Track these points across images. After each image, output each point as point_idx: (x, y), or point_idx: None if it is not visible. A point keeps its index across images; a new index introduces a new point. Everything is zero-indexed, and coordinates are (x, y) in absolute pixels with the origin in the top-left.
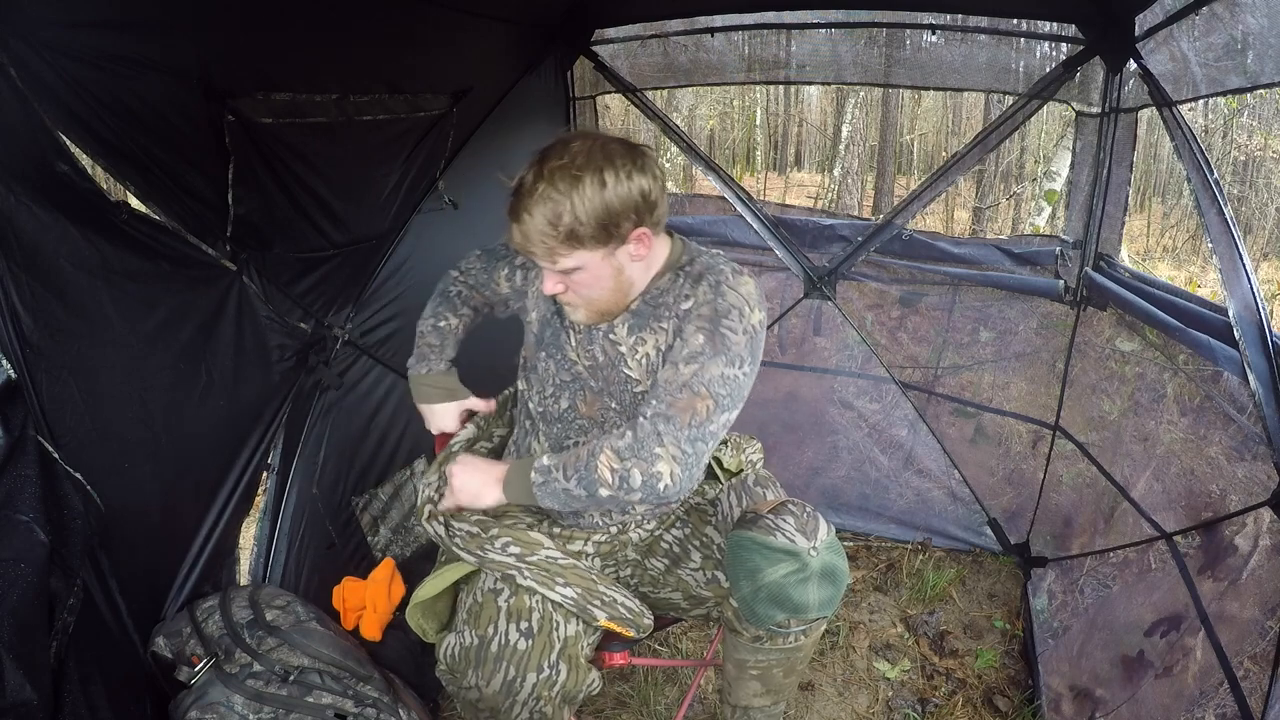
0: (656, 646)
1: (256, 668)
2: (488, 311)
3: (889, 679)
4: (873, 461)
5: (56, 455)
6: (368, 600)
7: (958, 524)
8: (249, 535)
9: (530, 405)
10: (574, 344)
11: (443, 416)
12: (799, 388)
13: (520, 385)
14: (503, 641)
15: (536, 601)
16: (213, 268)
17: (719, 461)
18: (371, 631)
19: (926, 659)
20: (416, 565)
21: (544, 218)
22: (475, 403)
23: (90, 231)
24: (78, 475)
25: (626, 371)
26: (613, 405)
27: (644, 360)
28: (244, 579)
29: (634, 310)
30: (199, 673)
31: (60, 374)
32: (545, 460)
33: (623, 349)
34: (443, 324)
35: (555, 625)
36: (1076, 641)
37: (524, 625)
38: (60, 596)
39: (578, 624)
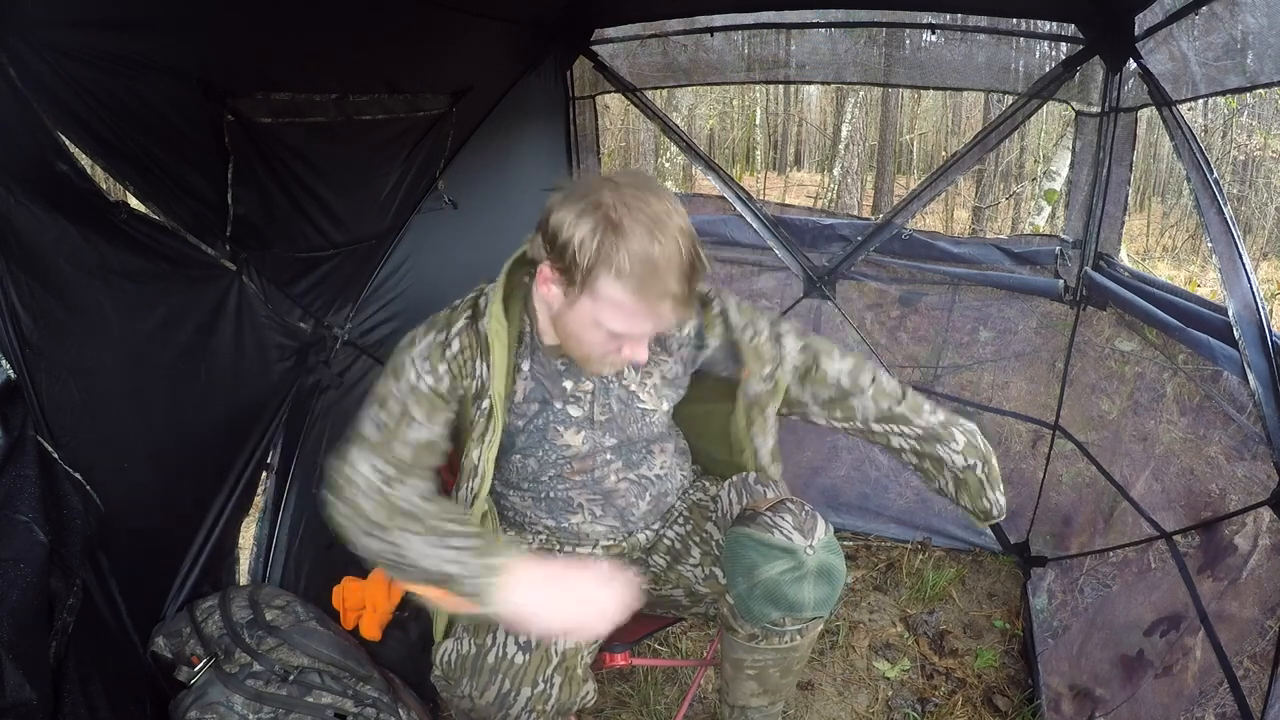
0: (656, 646)
1: (256, 668)
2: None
3: (889, 678)
4: (872, 461)
5: (56, 455)
6: (368, 600)
7: (957, 523)
8: (249, 535)
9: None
10: (575, 420)
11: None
12: None
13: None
14: (500, 654)
15: None
16: (212, 268)
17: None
18: (371, 631)
19: (926, 658)
20: None
21: (687, 241)
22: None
23: (89, 231)
24: (77, 475)
25: (641, 406)
26: (609, 444)
27: (654, 389)
28: (244, 579)
29: None
30: (199, 673)
31: (60, 374)
32: None
33: (633, 387)
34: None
35: (554, 638)
36: (1076, 641)
37: (522, 638)
38: (60, 596)
39: None
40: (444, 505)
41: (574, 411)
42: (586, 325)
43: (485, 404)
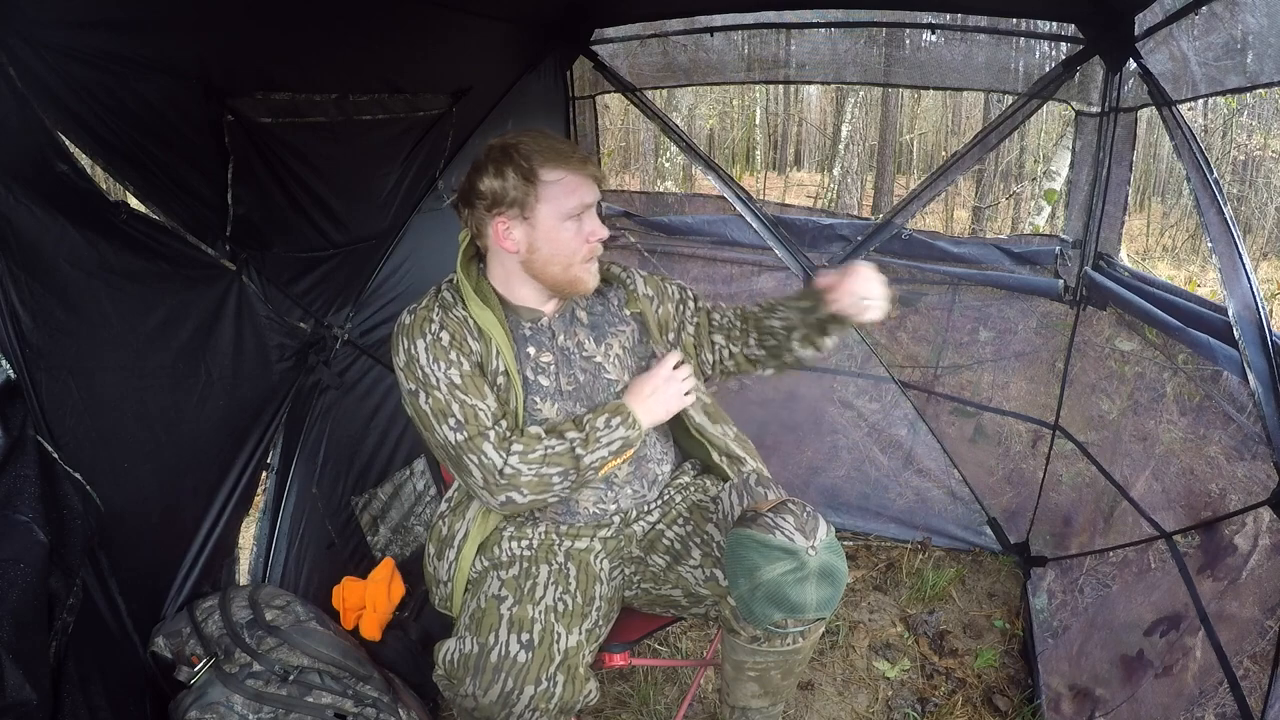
0: (656, 646)
1: (256, 668)
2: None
3: (889, 678)
4: (872, 461)
5: (56, 455)
6: (367, 600)
7: (957, 523)
8: (249, 535)
9: None
10: (547, 390)
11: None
12: (799, 387)
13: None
14: (503, 652)
15: (540, 612)
16: (212, 267)
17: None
18: (371, 631)
19: (926, 658)
20: (416, 565)
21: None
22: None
23: (89, 231)
24: (77, 475)
25: (608, 377)
26: (581, 412)
27: (616, 360)
28: (244, 579)
29: (590, 324)
30: (199, 673)
31: (60, 374)
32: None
33: (598, 359)
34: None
35: (557, 637)
36: (1076, 641)
37: (525, 637)
38: (60, 596)
39: (580, 634)
40: (554, 427)
41: (544, 382)
42: (554, 227)
43: (501, 380)
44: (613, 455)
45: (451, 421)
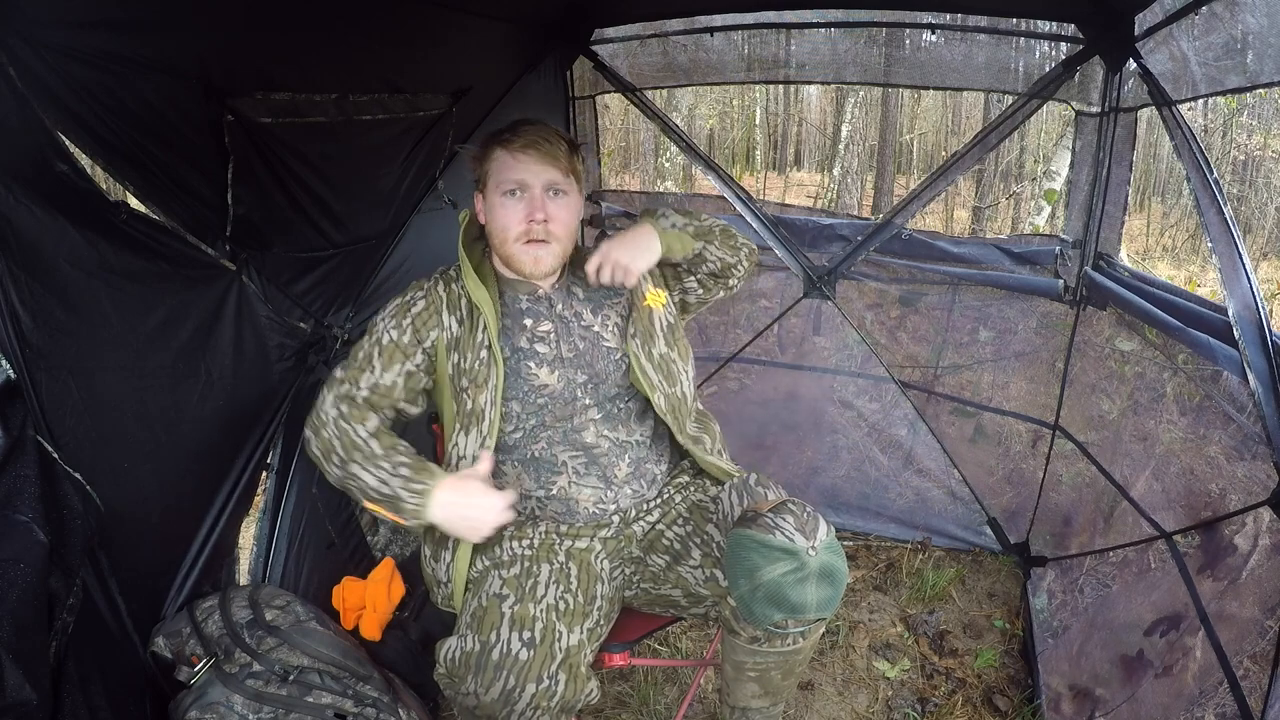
0: (656, 646)
1: (256, 668)
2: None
3: (889, 678)
4: (872, 461)
5: (56, 455)
6: (367, 600)
7: (957, 523)
8: (249, 535)
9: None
10: (545, 358)
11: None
12: (799, 387)
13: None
14: (504, 650)
15: (541, 611)
16: (212, 267)
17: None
18: (371, 631)
19: (926, 658)
20: (416, 565)
21: (553, 128)
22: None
23: (89, 231)
24: (77, 475)
25: (606, 345)
26: (580, 380)
27: (615, 329)
28: (244, 579)
29: (586, 297)
30: (199, 673)
31: (60, 374)
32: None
33: (596, 328)
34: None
35: (558, 635)
36: (1076, 641)
37: (526, 635)
38: (60, 596)
39: (581, 632)
40: (388, 439)
41: (542, 350)
42: (497, 203)
43: (484, 354)
44: (377, 493)
45: (349, 363)
